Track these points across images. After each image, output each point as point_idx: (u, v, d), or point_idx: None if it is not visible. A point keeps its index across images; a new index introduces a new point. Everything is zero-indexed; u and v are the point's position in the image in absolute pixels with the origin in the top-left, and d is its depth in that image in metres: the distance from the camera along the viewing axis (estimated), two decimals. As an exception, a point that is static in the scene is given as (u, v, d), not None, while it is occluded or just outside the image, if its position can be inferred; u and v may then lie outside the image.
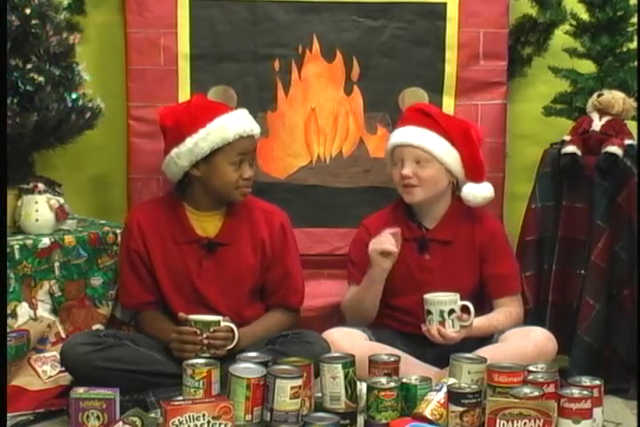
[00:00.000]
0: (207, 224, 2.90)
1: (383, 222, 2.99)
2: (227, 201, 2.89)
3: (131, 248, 2.88)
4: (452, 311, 2.75)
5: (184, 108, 2.92)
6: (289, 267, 2.94)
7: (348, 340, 2.82)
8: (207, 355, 2.67)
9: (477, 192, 2.94)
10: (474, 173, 2.94)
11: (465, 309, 2.77)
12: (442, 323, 2.75)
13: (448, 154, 2.91)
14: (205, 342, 2.69)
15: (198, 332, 2.70)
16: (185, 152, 2.82)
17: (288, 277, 2.94)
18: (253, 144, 2.89)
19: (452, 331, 2.75)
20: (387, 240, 2.85)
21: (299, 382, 2.46)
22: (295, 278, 2.95)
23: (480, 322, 2.83)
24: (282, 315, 2.94)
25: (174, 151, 2.83)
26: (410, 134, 2.93)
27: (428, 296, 2.77)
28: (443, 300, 2.76)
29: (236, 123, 2.84)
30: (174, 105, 3.06)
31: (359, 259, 2.99)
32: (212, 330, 2.71)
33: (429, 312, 2.76)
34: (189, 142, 2.80)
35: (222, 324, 2.73)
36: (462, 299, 2.80)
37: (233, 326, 2.75)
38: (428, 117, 2.94)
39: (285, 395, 2.43)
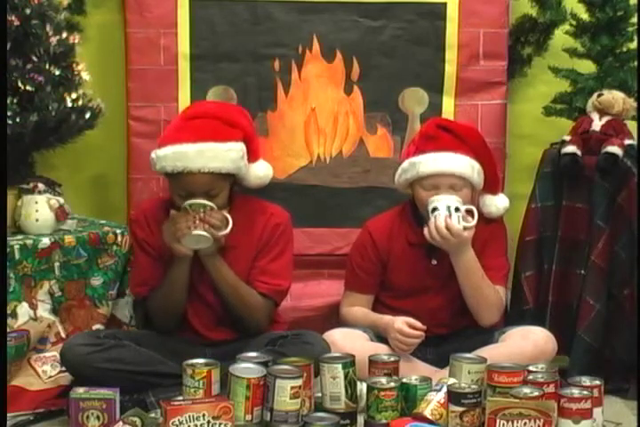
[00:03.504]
0: None
1: (388, 226, 2.98)
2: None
3: (141, 238, 2.85)
4: (457, 209, 2.81)
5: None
6: (273, 262, 2.84)
7: (349, 340, 2.82)
8: (201, 232, 2.65)
9: (500, 204, 2.98)
10: (492, 185, 2.96)
11: (469, 214, 2.84)
12: (448, 217, 2.80)
13: (477, 174, 2.90)
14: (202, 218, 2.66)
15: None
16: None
17: (268, 268, 2.83)
18: (209, 182, 2.71)
19: (457, 226, 2.80)
20: (412, 348, 2.84)
21: (299, 382, 2.45)
22: (274, 273, 2.83)
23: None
24: (256, 293, 2.82)
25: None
26: (444, 163, 2.86)
27: (433, 196, 2.84)
28: (451, 196, 2.83)
29: (181, 156, 2.70)
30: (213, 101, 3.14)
31: (359, 265, 2.99)
32: (209, 208, 2.69)
33: (435, 209, 2.82)
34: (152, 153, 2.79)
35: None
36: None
37: (227, 215, 2.72)
38: (454, 138, 2.89)
39: (285, 395, 2.43)
